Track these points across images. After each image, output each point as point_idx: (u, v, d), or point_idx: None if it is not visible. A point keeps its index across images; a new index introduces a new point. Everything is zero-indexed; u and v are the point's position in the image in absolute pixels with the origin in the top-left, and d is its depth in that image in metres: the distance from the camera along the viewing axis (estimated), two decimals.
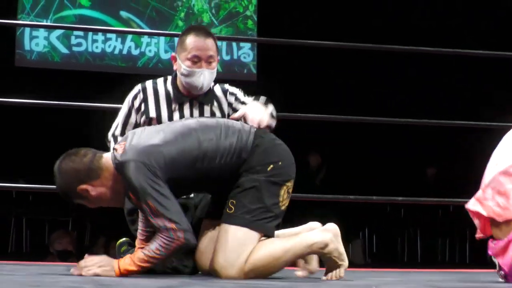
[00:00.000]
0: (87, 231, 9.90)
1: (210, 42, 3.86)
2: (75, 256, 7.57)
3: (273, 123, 3.60)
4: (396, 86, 10.94)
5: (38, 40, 10.88)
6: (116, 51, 11.07)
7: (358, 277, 3.54)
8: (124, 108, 3.76)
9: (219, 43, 12.02)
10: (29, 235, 9.72)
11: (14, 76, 10.57)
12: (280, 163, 3.16)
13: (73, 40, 10.97)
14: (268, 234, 3.17)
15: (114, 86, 10.80)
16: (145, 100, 3.70)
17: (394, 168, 10.56)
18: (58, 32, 10.92)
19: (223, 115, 3.77)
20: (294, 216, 4.63)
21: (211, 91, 3.81)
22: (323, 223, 3.30)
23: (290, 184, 3.19)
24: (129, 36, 11.12)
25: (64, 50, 10.93)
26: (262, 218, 3.13)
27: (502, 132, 3.27)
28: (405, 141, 10.60)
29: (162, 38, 11.22)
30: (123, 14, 11.10)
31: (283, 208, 3.17)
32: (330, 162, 10.07)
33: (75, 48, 10.98)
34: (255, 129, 3.21)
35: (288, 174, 3.19)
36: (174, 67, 3.75)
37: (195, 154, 3.08)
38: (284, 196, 3.17)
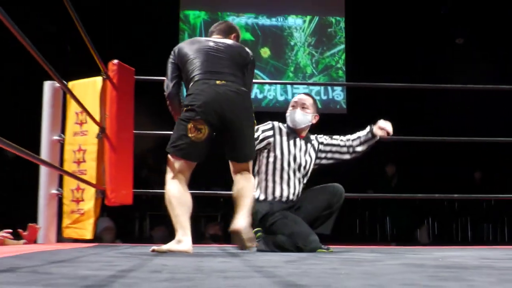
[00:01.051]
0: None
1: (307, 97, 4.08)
2: (223, 238, 7.66)
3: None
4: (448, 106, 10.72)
5: None
6: None
7: (426, 252, 3.52)
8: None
9: (318, 88, 12.02)
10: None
11: None
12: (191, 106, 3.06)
13: None
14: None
15: None
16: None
17: (449, 173, 10.34)
18: None
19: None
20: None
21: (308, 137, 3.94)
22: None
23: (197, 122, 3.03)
24: (256, 85, 11.27)
25: None
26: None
27: None
28: (458, 153, 10.34)
29: (278, 86, 11.34)
30: None
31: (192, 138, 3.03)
32: (402, 170, 9.93)
33: None
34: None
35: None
36: None
37: None
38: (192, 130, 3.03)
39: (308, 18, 11.61)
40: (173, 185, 3.09)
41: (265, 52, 11.43)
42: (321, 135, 3.98)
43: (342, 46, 11.54)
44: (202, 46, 3.30)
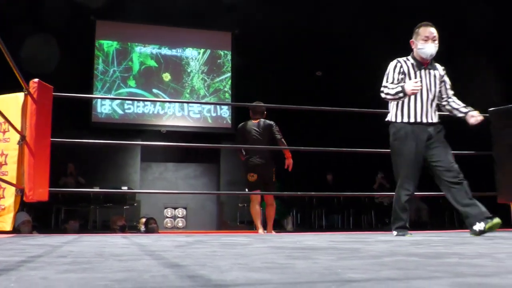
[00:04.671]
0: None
1: (433, 29, 3.69)
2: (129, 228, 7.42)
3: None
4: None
5: (105, 106, 10.84)
6: (151, 112, 11.05)
7: (289, 237, 3.56)
8: (390, 71, 3.69)
9: (209, 106, 11.88)
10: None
11: (91, 127, 10.52)
12: None
13: (126, 106, 10.93)
14: None
15: (149, 132, 10.84)
16: (401, 66, 3.67)
17: (308, 175, 10.57)
18: (117, 101, 10.88)
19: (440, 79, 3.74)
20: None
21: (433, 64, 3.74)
22: None
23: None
24: (158, 103, 11.12)
25: (120, 111, 10.89)
26: None
27: None
28: (315, 159, 10.61)
29: (177, 104, 11.24)
30: (154, 90, 11.10)
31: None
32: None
33: (127, 111, 10.94)
34: None
35: None
36: (412, 46, 3.70)
37: None
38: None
39: (202, 50, 11.61)
40: None
41: (167, 76, 11.30)
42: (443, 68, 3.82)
43: (229, 74, 11.63)
44: None
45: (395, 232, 3.63)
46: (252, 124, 5.85)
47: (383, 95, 3.63)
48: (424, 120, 3.65)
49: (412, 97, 3.63)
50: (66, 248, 2.18)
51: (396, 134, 3.68)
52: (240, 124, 5.99)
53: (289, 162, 5.69)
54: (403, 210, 3.61)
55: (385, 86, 3.63)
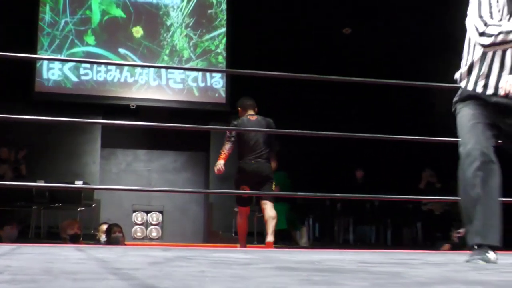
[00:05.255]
0: None
1: None
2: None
3: None
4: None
5: (53, 71, 10.83)
6: (115, 79, 11.04)
7: (303, 255, 3.58)
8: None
9: (195, 73, 12.01)
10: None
11: (34, 99, 10.50)
12: None
13: (82, 71, 10.92)
14: None
15: (113, 107, 10.86)
16: None
17: (329, 170, 10.57)
18: (70, 64, 10.86)
19: None
20: None
21: None
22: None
23: None
24: (126, 68, 11.10)
25: (74, 78, 10.88)
26: None
27: None
28: (340, 150, 10.63)
29: (151, 69, 11.22)
30: (121, 50, 11.09)
31: None
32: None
33: (83, 77, 10.93)
34: None
35: None
36: None
37: None
38: None
39: None
40: None
41: (138, 31, 11.27)
42: None
43: (223, 30, 11.59)
44: None
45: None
46: (250, 122, 6.47)
47: (489, 40, 3.10)
48: None
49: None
50: (1, 262, 2.19)
51: None
52: (235, 121, 6.57)
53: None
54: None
55: (492, 26, 3.10)
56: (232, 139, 6.37)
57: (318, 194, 6.56)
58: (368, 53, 11.22)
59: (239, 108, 6.70)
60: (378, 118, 10.81)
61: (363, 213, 10.22)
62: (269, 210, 6.19)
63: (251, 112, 6.54)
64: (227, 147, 6.35)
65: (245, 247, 6.31)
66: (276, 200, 8.07)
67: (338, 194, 6.97)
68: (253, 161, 6.29)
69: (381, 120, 10.65)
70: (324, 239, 10.19)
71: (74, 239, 7.75)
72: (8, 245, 4.11)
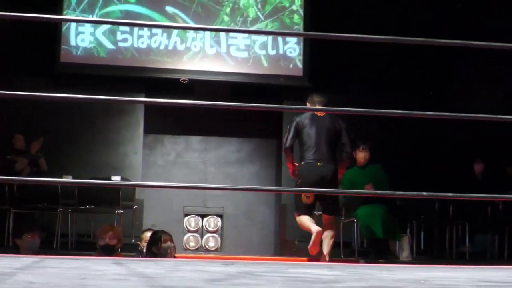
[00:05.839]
0: None
1: None
2: None
3: None
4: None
5: (84, 36, 10.98)
6: (162, 47, 11.14)
7: (405, 272, 3.58)
8: None
9: (264, 38, 12.27)
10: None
11: (59, 73, 10.65)
12: None
13: (119, 36, 11.05)
14: None
15: (159, 81, 10.98)
16: None
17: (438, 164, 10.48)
18: (104, 27, 11.00)
19: None
20: None
21: None
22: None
23: None
24: (175, 31, 11.17)
25: (110, 45, 11.03)
26: None
27: None
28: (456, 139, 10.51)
29: (207, 33, 11.26)
30: (169, 9, 11.18)
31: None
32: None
33: (121, 44, 11.06)
34: None
35: None
36: None
37: None
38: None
39: None
40: None
41: None
42: None
43: None
44: None
45: None
46: (314, 118, 7.16)
47: None
48: None
49: None
50: (21, 278, 2.25)
51: None
52: (297, 117, 7.32)
53: None
54: None
55: None
56: (291, 134, 7.11)
57: (425, 193, 6.46)
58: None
59: (308, 104, 7.27)
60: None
61: (483, 219, 10.10)
62: (329, 226, 6.56)
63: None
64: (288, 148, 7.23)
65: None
66: (368, 201, 8.15)
67: (451, 194, 6.87)
68: (318, 163, 6.88)
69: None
70: (432, 252, 10.10)
71: (107, 251, 7.73)
72: (29, 257, 4.21)
